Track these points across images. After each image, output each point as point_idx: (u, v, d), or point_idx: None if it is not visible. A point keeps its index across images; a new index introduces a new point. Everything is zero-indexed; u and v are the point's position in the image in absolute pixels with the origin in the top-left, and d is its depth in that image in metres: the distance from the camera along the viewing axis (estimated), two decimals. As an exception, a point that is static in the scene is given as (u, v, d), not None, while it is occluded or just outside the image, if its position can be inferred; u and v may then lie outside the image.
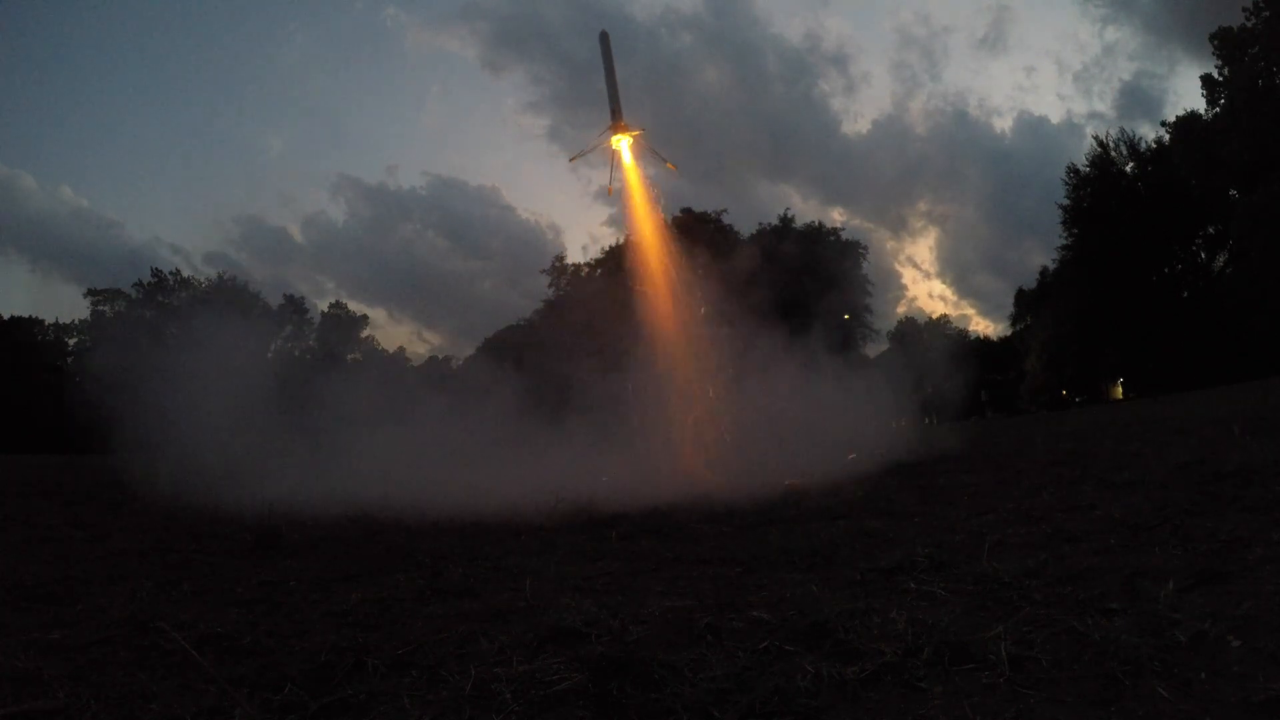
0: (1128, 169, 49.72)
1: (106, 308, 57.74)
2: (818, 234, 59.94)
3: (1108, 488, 7.11)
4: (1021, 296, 61.68)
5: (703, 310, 13.05)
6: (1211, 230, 46.23)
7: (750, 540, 5.90)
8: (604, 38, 13.89)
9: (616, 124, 13.39)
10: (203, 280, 62.60)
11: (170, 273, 62.15)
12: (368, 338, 68.63)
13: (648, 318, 13.16)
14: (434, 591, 4.47)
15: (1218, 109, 41.35)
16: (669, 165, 13.85)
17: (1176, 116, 46.23)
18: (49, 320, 58.19)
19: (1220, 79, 40.77)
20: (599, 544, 6.20)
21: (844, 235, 61.17)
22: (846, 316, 57.87)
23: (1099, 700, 2.31)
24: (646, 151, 13.67)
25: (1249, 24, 38.05)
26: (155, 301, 58.30)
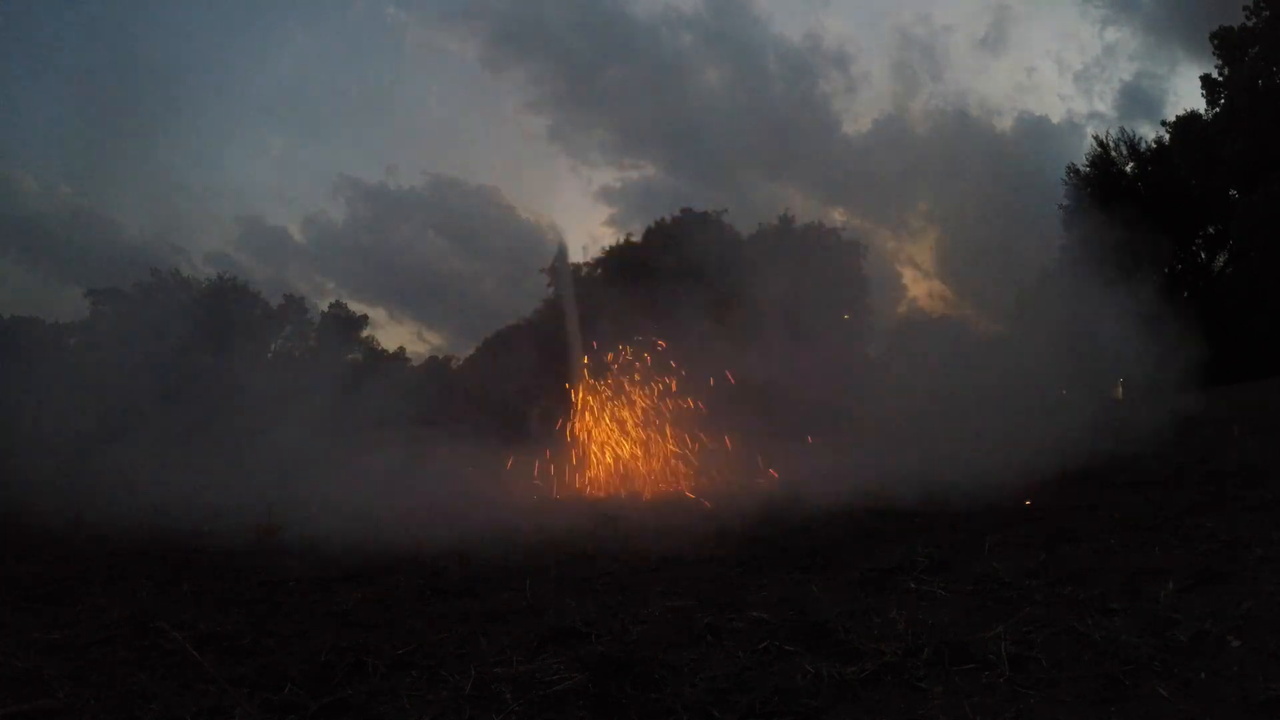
0: (1128, 169, 49.74)
1: (107, 308, 57.68)
2: (817, 234, 59.89)
3: (1108, 488, 7.11)
4: (1021, 296, 61.62)
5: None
6: (1211, 230, 46.22)
7: (750, 540, 5.89)
8: (561, 255, 12.76)
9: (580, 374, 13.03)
10: (203, 280, 62.47)
11: (170, 273, 62.09)
12: (368, 337, 68.55)
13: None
14: (434, 591, 4.47)
15: (1218, 109, 41.32)
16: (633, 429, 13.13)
17: (1176, 116, 46.19)
18: (49, 320, 58.14)
19: (1220, 79, 40.73)
20: (599, 544, 6.20)
21: (844, 235, 61.16)
22: (846, 316, 57.83)
23: (1099, 700, 2.31)
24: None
25: (1249, 24, 38.03)
26: (155, 301, 58.19)
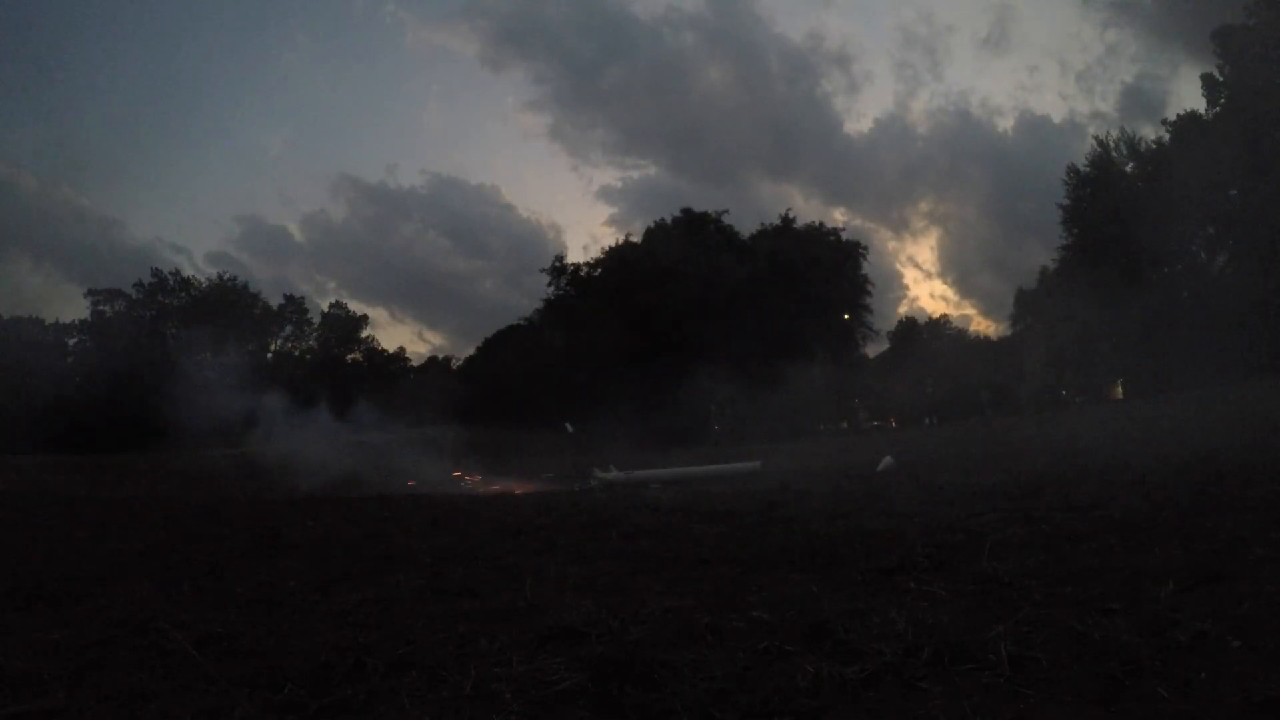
0: (1128, 169, 49.72)
1: (107, 308, 57.75)
2: (818, 234, 59.96)
3: (1108, 488, 7.11)
4: (1021, 296, 61.74)
5: None
6: (1211, 230, 46.23)
7: (750, 540, 5.90)
8: None
9: None
10: (203, 280, 62.63)
11: (170, 273, 62.21)
12: (368, 337, 68.62)
13: None
14: (434, 591, 4.47)
15: (1218, 109, 41.40)
16: None
17: (1177, 115, 46.29)
18: (49, 320, 58.17)
19: (1220, 79, 40.82)
20: (599, 544, 6.20)
21: (845, 235, 61.24)
22: (846, 316, 57.91)
23: (1099, 700, 2.31)
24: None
25: (1249, 23, 38.07)
26: (155, 301, 58.30)
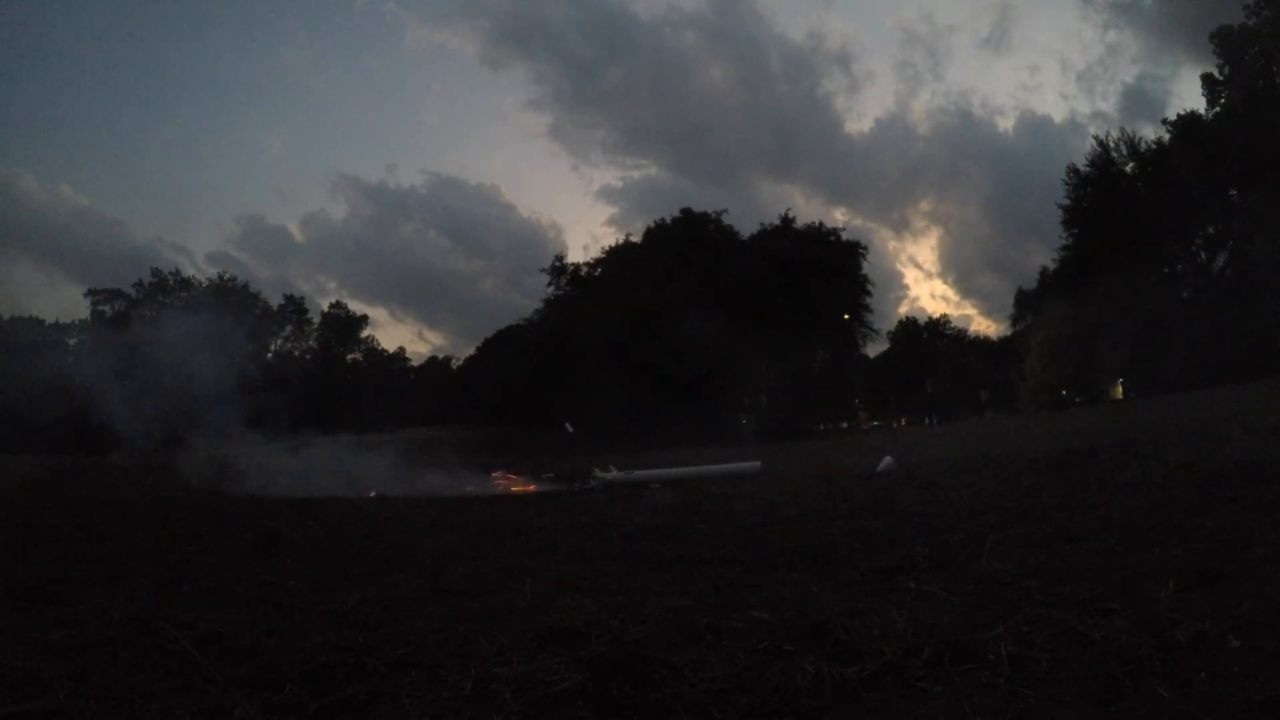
0: (1128, 169, 49.75)
1: (107, 308, 57.86)
2: (818, 234, 59.97)
3: (1108, 488, 7.11)
4: (1021, 296, 61.81)
5: None
6: (1211, 230, 46.26)
7: (750, 540, 5.90)
8: None
9: None
10: (203, 280, 62.81)
11: (170, 273, 62.36)
12: (368, 337, 68.67)
13: None
14: (434, 591, 4.47)
15: (1218, 109, 41.48)
16: None
17: (1177, 115, 46.32)
18: (49, 320, 58.17)
19: (1220, 78, 40.90)
20: (599, 544, 6.20)
21: (845, 235, 61.28)
22: (846, 316, 57.92)
23: (1099, 700, 2.31)
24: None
25: (1249, 23, 38.12)
26: (155, 301, 58.40)
